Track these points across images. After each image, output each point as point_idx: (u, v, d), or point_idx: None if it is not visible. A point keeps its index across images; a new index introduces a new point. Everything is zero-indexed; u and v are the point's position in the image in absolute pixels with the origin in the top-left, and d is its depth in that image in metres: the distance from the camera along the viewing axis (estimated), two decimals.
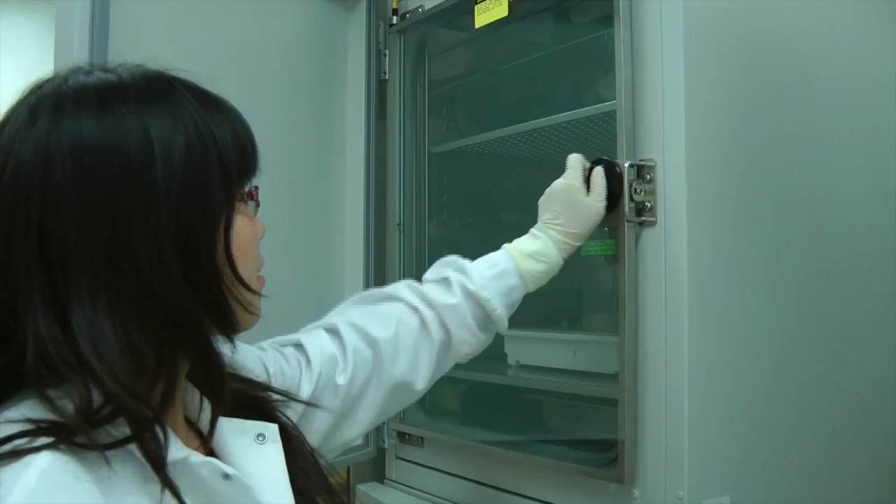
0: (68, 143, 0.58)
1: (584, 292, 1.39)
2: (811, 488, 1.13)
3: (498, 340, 1.44)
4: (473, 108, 1.64)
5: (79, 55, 0.97)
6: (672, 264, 0.96)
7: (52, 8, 0.99)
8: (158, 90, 0.63)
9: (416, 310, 0.95)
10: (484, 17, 1.29)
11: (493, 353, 1.49)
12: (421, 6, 1.38)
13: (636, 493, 0.99)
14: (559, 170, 1.26)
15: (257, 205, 0.70)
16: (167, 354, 0.59)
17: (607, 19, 1.32)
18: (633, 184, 0.98)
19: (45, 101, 0.61)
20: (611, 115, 1.17)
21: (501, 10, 1.28)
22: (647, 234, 0.99)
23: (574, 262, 1.30)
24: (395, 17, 1.42)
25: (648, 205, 0.98)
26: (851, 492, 1.20)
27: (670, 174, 0.96)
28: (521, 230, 1.05)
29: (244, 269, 0.65)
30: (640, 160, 0.99)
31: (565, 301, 1.61)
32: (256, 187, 0.70)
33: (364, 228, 1.42)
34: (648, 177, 0.98)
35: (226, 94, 0.66)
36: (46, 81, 0.63)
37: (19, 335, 0.56)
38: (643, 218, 0.99)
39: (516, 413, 1.43)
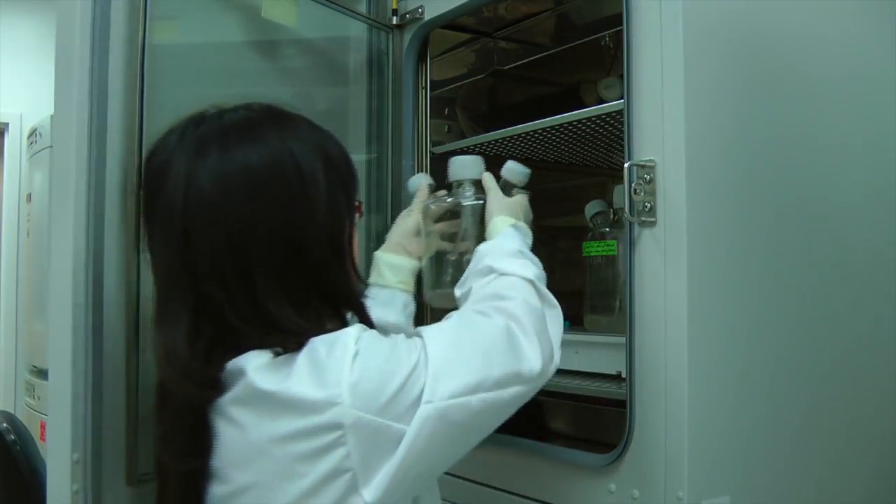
0: (241, 171, 0.76)
1: (585, 292, 1.39)
2: (811, 488, 1.13)
3: None
4: (474, 108, 1.64)
5: (80, 56, 0.97)
6: (672, 264, 0.96)
7: (53, 8, 0.99)
8: (288, 122, 0.82)
9: None
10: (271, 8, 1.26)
11: None
12: (421, 7, 1.38)
13: (636, 493, 0.99)
14: (560, 170, 1.26)
15: (360, 216, 0.89)
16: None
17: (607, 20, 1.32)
18: (633, 184, 0.98)
19: (213, 136, 0.78)
20: (612, 116, 1.17)
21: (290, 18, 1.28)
22: (647, 234, 0.99)
23: (575, 263, 1.31)
24: (395, 18, 1.42)
25: (648, 205, 0.98)
26: (852, 491, 1.20)
27: (670, 175, 0.97)
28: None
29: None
30: (640, 160, 0.99)
31: (566, 301, 1.61)
32: (360, 202, 0.89)
33: (365, 229, 1.42)
34: (648, 177, 0.98)
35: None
36: (202, 118, 0.80)
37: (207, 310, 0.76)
38: (643, 218, 0.99)
39: (517, 413, 1.42)
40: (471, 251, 1.06)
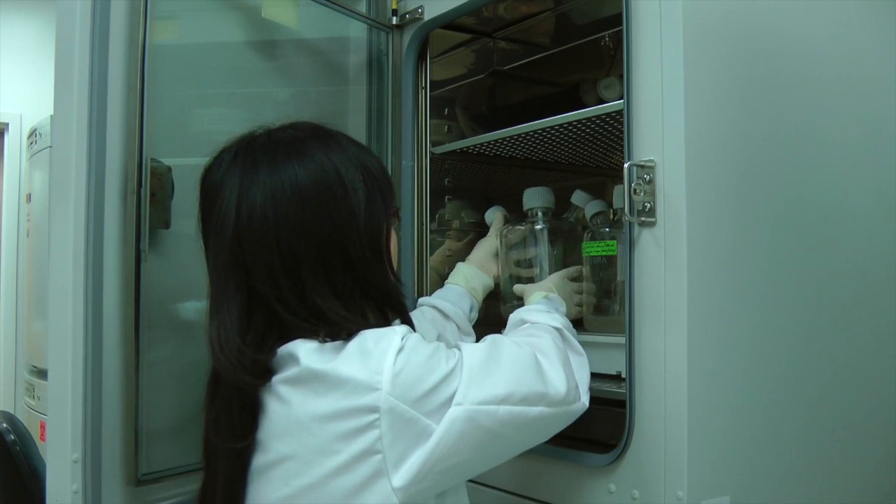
0: (289, 184, 0.85)
1: (584, 293, 1.39)
2: (811, 488, 1.13)
3: None
4: (474, 108, 1.64)
5: (80, 56, 0.97)
6: (672, 264, 0.96)
7: (53, 8, 0.99)
8: (331, 139, 0.90)
9: None
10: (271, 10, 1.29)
11: None
12: (421, 7, 1.38)
13: (636, 493, 0.99)
14: (560, 170, 1.26)
15: (399, 221, 0.98)
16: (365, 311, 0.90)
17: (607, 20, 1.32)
18: (633, 184, 0.98)
19: (263, 154, 0.87)
20: (612, 116, 1.17)
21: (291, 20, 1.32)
22: (647, 234, 0.99)
23: (575, 263, 1.31)
24: (395, 18, 1.42)
25: (648, 205, 0.98)
26: (851, 492, 1.20)
27: (670, 175, 0.97)
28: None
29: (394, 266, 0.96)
30: (640, 160, 0.99)
31: None
32: (398, 207, 0.96)
33: None
34: (648, 177, 0.98)
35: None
36: (253, 138, 0.90)
37: (261, 305, 0.85)
38: (643, 218, 0.99)
39: None
40: (543, 271, 1.30)
